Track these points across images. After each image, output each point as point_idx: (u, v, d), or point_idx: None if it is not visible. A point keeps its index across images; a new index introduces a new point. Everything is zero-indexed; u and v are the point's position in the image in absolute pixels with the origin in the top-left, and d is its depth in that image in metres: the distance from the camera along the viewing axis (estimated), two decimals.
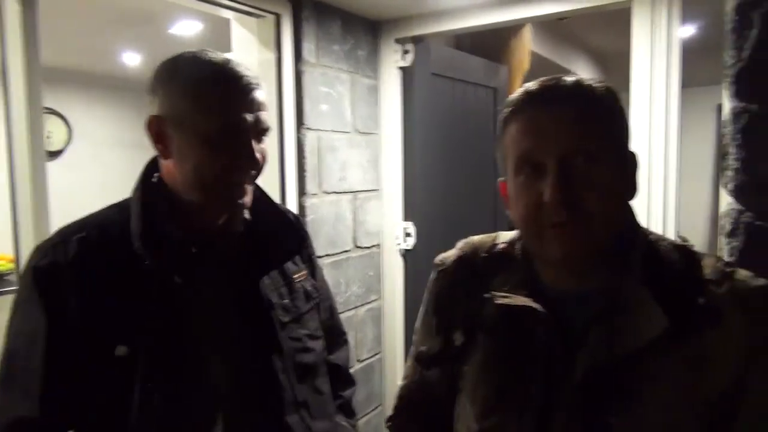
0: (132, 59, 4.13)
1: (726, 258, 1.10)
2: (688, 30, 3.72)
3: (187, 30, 3.06)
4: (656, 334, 0.71)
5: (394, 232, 2.54)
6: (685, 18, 1.95)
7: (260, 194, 1.08)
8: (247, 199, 0.99)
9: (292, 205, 2.11)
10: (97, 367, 0.89)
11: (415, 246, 2.53)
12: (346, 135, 2.33)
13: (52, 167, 4.41)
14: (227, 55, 0.98)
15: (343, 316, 1.99)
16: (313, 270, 1.22)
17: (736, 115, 1.09)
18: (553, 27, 3.86)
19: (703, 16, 3.32)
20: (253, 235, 1.07)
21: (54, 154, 4.43)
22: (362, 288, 2.46)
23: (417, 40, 2.46)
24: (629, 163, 0.81)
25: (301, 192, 2.13)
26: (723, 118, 1.14)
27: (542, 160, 0.75)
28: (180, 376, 0.93)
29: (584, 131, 0.74)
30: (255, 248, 1.06)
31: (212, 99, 0.92)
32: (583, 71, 4.77)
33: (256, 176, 1.01)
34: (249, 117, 0.93)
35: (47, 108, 4.36)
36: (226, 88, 0.93)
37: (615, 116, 0.79)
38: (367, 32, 2.42)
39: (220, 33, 2.22)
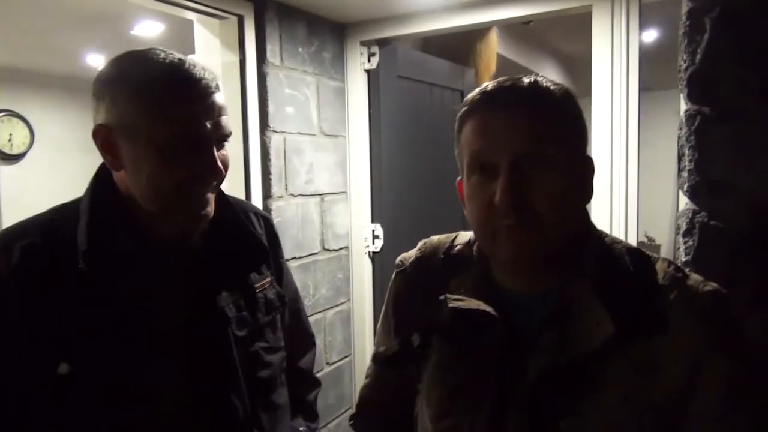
0: (95, 60, 4.05)
1: (682, 257, 1.13)
2: (651, 35, 3.79)
3: (149, 31, 3.02)
4: (603, 339, 0.71)
5: (363, 234, 2.53)
6: (648, 22, 2.00)
7: (221, 201, 1.01)
8: (209, 209, 0.93)
9: None
10: (38, 385, 0.84)
11: (383, 248, 2.52)
12: (312, 137, 2.31)
13: (13, 170, 4.31)
14: (183, 56, 0.89)
15: (311, 319, 1.98)
16: (281, 274, 1.17)
17: (689, 117, 1.12)
18: (519, 31, 3.90)
19: (666, 21, 3.39)
20: (212, 245, 1.00)
21: (15, 158, 4.31)
22: (331, 291, 2.44)
23: (383, 43, 2.47)
24: (586, 167, 0.81)
25: (266, 195, 2.11)
26: (679, 121, 1.17)
27: (495, 161, 0.75)
28: (125, 400, 0.87)
29: (538, 134, 0.74)
30: (213, 260, 0.99)
31: (165, 105, 0.84)
32: (550, 75, 4.83)
33: (218, 185, 0.94)
34: (208, 124, 0.86)
35: (7, 110, 4.24)
36: (180, 91, 0.85)
37: (571, 119, 0.79)
38: (333, 35, 2.41)
39: (183, 34, 2.19)
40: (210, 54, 2.07)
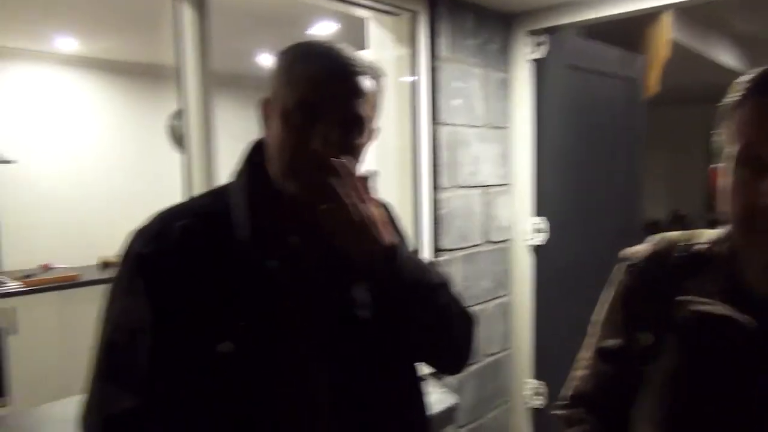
0: (265, 60, 4.38)
1: None
2: None
3: (324, 30, 3.20)
4: None
5: (525, 227, 2.50)
6: None
7: None
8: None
9: (426, 199, 2.15)
10: (200, 362, 0.84)
11: (548, 241, 2.47)
12: (477, 129, 2.33)
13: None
14: (360, 52, 0.90)
15: (473, 310, 2.00)
16: None
17: None
18: (695, 12, 3.60)
19: None
20: None
21: None
22: (492, 282, 2.45)
23: (551, 32, 2.41)
24: None
25: (435, 186, 2.16)
26: None
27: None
28: (284, 378, 0.87)
29: None
30: None
31: (297, 73, 0.85)
32: (726, 58, 4.40)
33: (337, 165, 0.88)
34: (335, 98, 0.84)
35: None
36: (315, 63, 0.85)
37: None
38: (500, 26, 2.40)
39: (355, 32, 2.31)
40: (382, 49, 2.16)
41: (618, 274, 0.96)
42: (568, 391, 1.03)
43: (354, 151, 0.87)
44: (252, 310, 0.86)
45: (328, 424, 0.89)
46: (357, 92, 0.85)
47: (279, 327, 0.87)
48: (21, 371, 3.38)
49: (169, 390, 0.84)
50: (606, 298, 0.98)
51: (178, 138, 4.65)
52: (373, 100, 0.88)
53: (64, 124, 4.18)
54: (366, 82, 0.86)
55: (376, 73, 0.90)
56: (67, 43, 3.86)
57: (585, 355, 1.01)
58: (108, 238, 4.27)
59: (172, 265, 0.84)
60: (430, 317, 0.94)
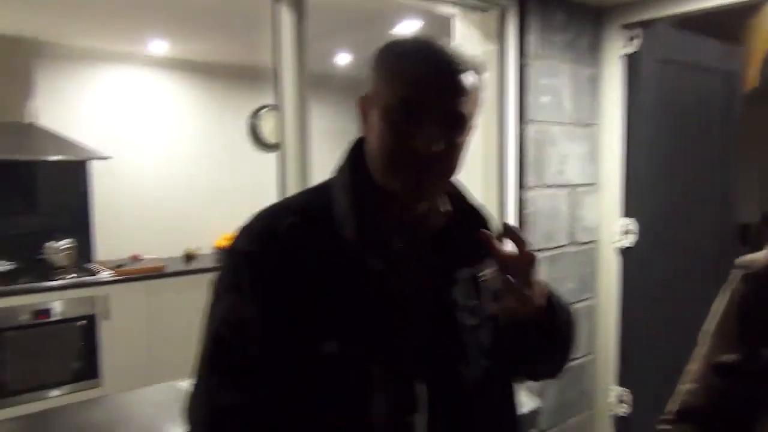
0: (343, 59, 4.44)
1: None
2: None
3: (407, 29, 3.19)
4: None
5: (612, 228, 2.42)
6: None
7: (455, 188, 0.97)
8: (428, 189, 0.88)
9: (511, 198, 2.11)
10: (303, 361, 0.83)
11: (637, 244, 2.38)
12: (564, 127, 2.27)
13: (274, 158, 4.93)
14: (461, 47, 0.87)
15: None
16: None
17: None
18: None
19: None
20: (449, 231, 0.95)
21: (276, 147, 4.92)
22: (577, 285, 2.38)
23: (645, 25, 2.31)
24: None
25: (520, 185, 2.13)
26: None
27: None
28: (385, 378, 0.86)
29: None
30: (449, 244, 0.94)
31: (399, 70, 0.83)
32: None
33: (436, 164, 0.85)
34: (437, 96, 0.81)
35: (270, 105, 4.85)
36: (418, 59, 0.83)
37: None
38: (590, 20, 2.33)
39: (439, 30, 2.29)
40: (468, 47, 2.14)
41: (733, 283, 0.91)
42: (674, 405, 0.98)
43: (456, 149, 0.85)
44: (356, 310, 0.85)
45: (427, 425, 0.88)
46: (460, 89, 0.82)
47: (382, 328, 0.86)
48: (110, 355, 3.60)
49: (273, 387, 0.84)
50: (718, 308, 0.93)
51: (257, 136, 4.80)
52: (475, 96, 0.85)
53: (154, 123, 4.39)
54: (469, 79, 0.83)
55: (478, 69, 0.87)
56: (159, 46, 4.04)
57: (693, 367, 0.96)
58: (192, 231, 4.49)
59: (277, 263, 0.84)
60: (553, 344, 0.95)
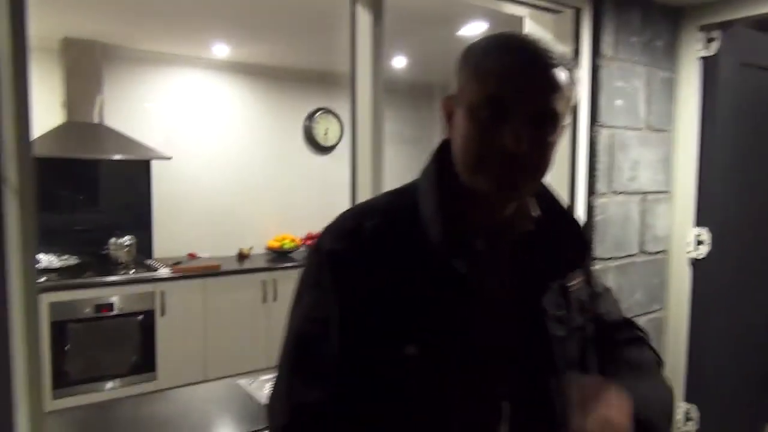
0: (398, 62, 4.43)
1: None
2: None
3: (473, 31, 3.15)
4: None
5: (684, 238, 2.32)
6: None
7: (545, 192, 0.94)
8: (514, 191, 0.85)
9: (580, 205, 2.05)
10: (384, 362, 0.83)
11: (709, 255, 2.28)
12: (638, 132, 2.19)
13: (325, 160, 4.97)
14: (553, 42, 0.85)
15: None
16: (589, 274, 1.05)
17: None
18: None
19: None
20: (538, 236, 0.92)
21: (328, 149, 4.95)
22: (645, 296, 2.29)
23: (724, 27, 2.21)
24: None
25: (591, 191, 2.06)
26: None
27: None
28: (466, 384, 0.84)
29: None
30: (539, 252, 0.92)
31: (486, 66, 0.80)
32: None
33: (525, 166, 0.82)
34: (522, 91, 0.78)
35: (324, 108, 4.88)
36: (505, 54, 0.80)
37: None
38: (667, 21, 2.24)
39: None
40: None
41: None
42: None
43: (545, 149, 0.81)
44: (439, 314, 0.83)
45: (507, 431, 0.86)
46: (550, 85, 0.79)
47: (465, 333, 0.84)
48: (166, 350, 3.68)
49: (352, 386, 0.83)
50: None
51: (311, 138, 4.84)
52: (567, 94, 0.81)
53: (212, 124, 4.47)
54: (560, 75, 0.79)
55: (570, 66, 0.83)
56: (221, 50, 4.12)
57: None
58: (246, 231, 4.57)
59: (362, 264, 0.84)
60: None
